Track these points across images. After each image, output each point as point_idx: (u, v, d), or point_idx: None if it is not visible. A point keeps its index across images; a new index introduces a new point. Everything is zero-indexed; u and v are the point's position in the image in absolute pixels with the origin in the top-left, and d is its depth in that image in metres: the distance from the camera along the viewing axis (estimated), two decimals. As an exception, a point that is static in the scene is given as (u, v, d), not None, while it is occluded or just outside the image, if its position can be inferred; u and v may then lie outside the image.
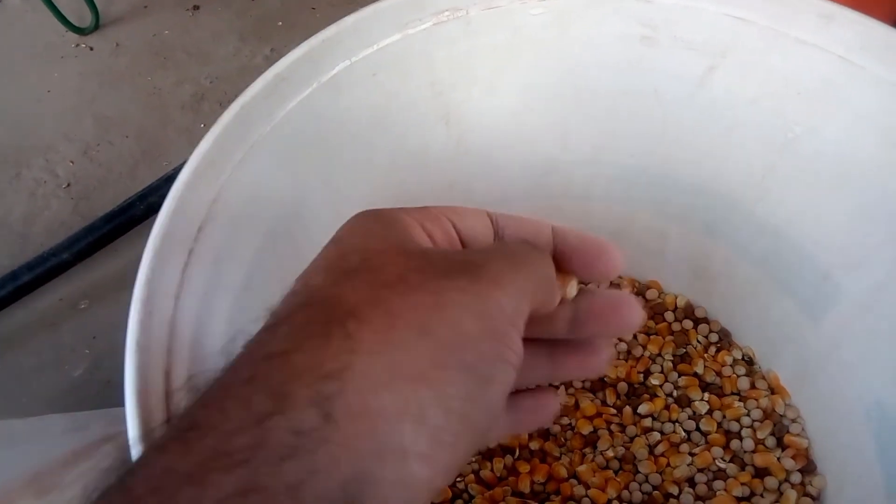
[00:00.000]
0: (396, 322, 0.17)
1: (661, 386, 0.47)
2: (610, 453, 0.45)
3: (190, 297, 0.26)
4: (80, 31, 0.78)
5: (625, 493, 0.43)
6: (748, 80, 0.35)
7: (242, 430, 0.15)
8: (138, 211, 0.61)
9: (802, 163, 0.36)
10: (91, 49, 0.78)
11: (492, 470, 0.44)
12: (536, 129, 0.41)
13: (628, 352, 0.48)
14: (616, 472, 0.44)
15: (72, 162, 0.72)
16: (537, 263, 0.21)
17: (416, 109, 0.37)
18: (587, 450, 0.45)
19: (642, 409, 0.46)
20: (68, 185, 0.70)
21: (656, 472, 0.44)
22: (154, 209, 0.62)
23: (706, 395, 0.46)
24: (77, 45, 0.79)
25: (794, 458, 0.43)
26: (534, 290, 0.20)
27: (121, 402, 0.23)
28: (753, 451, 0.44)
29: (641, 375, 0.47)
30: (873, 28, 0.31)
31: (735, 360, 0.47)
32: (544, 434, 0.46)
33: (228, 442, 0.15)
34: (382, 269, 0.18)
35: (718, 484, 0.43)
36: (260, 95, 0.29)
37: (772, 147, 0.37)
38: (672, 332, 0.48)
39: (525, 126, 0.41)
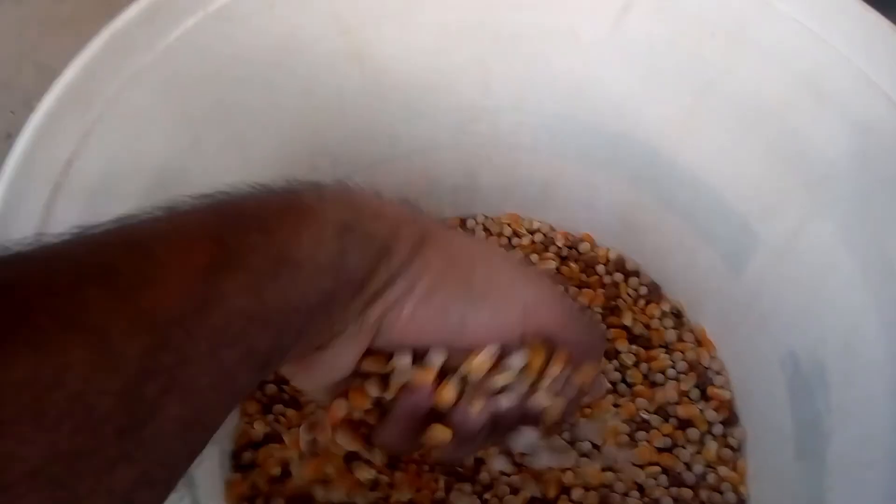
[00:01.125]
0: (438, 250, 0.25)
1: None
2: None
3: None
4: (21, -25, 0.75)
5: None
6: (663, 20, 0.34)
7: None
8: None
9: (719, 107, 0.35)
10: (33, -6, 0.76)
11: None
12: (455, 71, 0.40)
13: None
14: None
15: (12, 112, 0.70)
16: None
17: (322, 47, 0.35)
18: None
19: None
20: (9, 136, 0.68)
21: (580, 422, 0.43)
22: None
23: (633, 348, 0.45)
24: (18, -9, 0.76)
25: (716, 409, 0.43)
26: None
27: None
28: (677, 403, 0.44)
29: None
30: (783, -37, 0.30)
31: (664, 313, 0.47)
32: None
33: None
34: None
35: (641, 435, 0.43)
36: (133, 23, 0.28)
37: (689, 92, 0.36)
38: (603, 286, 0.48)
39: (444, 68, 0.39)
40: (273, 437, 0.42)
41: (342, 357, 0.24)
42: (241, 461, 0.42)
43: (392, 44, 0.38)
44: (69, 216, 0.26)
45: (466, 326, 0.25)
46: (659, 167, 0.41)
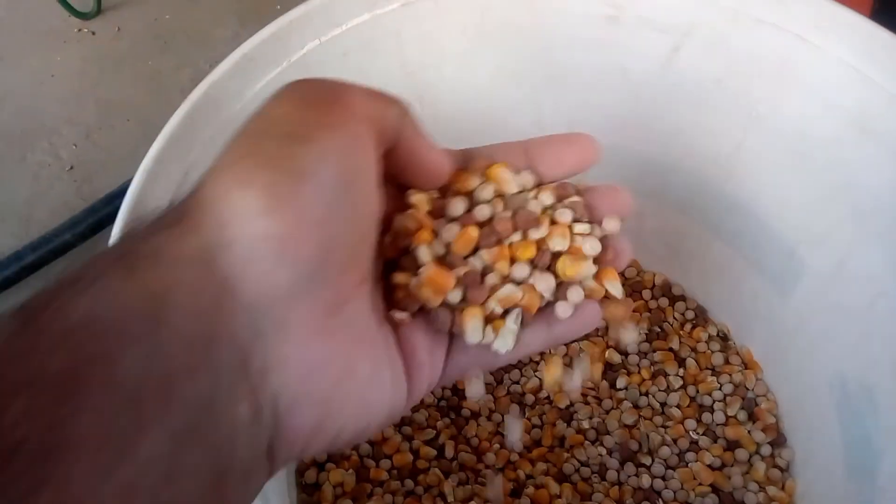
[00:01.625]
0: (229, 142, 0.20)
1: (638, 362, 0.48)
2: (585, 424, 0.46)
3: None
4: (82, 15, 0.79)
5: (599, 461, 0.44)
6: (712, 59, 0.36)
7: (129, 233, 0.19)
8: (136, 192, 0.63)
9: (766, 141, 0.37)
10: (93, 33, 0.80)
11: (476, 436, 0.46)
12: (510, 106, 0.42)
13: (605, 329, 0.49)
14: (592, 443, 0.45)
15: (75, 145, 0.73)
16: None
17: (388, 89, 0.38)
18: (561, 424, 0.46)
19: (619, 382, 0.47)
20: (71, 167, 0.72)
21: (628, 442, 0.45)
22: (151, 190, 0.63)
23: (681, 370, 0.47)
24: (79, 30, 0.80)
25: (764, 430, 0.44)
26: (363, 87, 0.22)
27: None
28: (725, 425, 0.45)
29: (620, 355, 0.48)
30: (828, 7, 0.32)
31: (710, 337, 0.48)
32: (521, 408, 0.47)
33: (115, 241, 0.19)
34: None
35: (690, 455, 0.44)
36: (227, 75, 0.30)
37: (737, 125, 0.38)
38: (649, 310, 0.49)
39: (499, 104, 0.42)
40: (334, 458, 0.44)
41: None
42: (305, 480, 0.44)
43: (451, 84, 0.40)
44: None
45: None
46: (706, 196, 0.42)
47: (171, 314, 0.17)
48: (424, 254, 0.24)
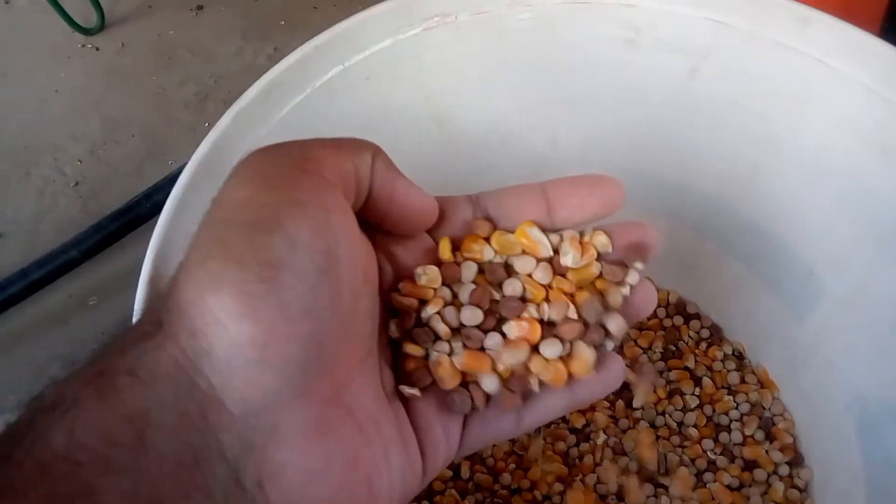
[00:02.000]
0: (195, 237, 0.19)
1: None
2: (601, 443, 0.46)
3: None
4: (85, 31, 0.79)
5: (617, 483, 0.44)
6: (730, 81, 0.36)
7: (103, 347, 0.18)
8: (144, 209, 0.63)
9: (784, 162, 0.37)
10: (97, 49, 0.80)
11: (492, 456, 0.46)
12: (526, 129, 0.42)
13: (621, 347, 0.49)
14: (610, 463, 0.45)
15: (79, 161, 0.73)
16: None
17: (408, 112, 0.38)
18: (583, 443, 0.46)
19: (636, 402, 0.47)
20: (76, 183, 0.72)
21: (647, 462, 0.45)
22: (160, 207, 0.61)
23: (697, 389, 0.47)
24: (83, 46, 0.80)
25: (781, 450, 0.44)
26: (329, 141, 0.21)
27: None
28: (743, 444, 0.45)
29: (635, 375, 0.48)
30: (847, 31, 0.32)
31: (726, 355, 0.48)
32: (537, 429, 0.47)
33: (91, 356, 0.18)
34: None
35: (708, 476, 0.44)
36: (255, 101, 0.30)
37: (754, 147, 0.38)
38: (664, 328, 0.49)
39: (515, 127, 0.42)
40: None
41: None
42: None
43: (469, 108, 0.40)
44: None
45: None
46: (722, 216, 0.43)
47: (154, 437, 0.16)
48: (439, 325, 0.23)
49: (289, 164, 0.19)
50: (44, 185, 0.70)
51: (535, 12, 0.36)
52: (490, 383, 0.23)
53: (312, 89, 0.33)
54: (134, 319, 0.25)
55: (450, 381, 0.23)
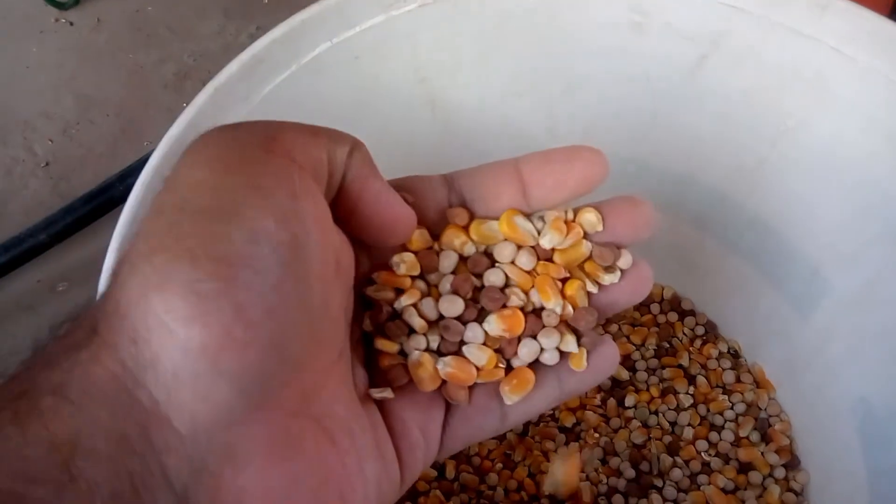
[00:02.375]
0: (142, 221, 0.17)
1: (647, 379, 0.46)
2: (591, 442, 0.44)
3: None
4: (59, 5, 0.76)
5: (607, 485, 0.43)
6: (741, 70, 0.35)
7: (30, 359, 0.16)
8: (118, 192, 0.60)
9: (795, 156, 0.36)
10: (71, 24, 0.76)
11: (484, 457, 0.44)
12: (524, 115, 0.40)
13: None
14: (602, 463, 0.44)
15: (50, 140, 0.70)
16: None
17: (400, 94, 0.36)
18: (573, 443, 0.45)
19: (628, 401, 0.45)
20: (47, 164, 0.69)
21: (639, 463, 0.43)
22: (134, 190, 0.60)
23: (691, 388, 0.45)
24: (56, 20, 0.77)
25: (777, 452, 0.43)
26: (297, 124, 0.18)
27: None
28: (738, 446, 0.44)
29: (627, 372, 0.46)
30: (866, 18, 0.31)
31: (720, 353, 0.47)
32: (524, 427, 0.45)
33: (15, 370, 0.16)
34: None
35: (702, 478, 0.43)
36: (235, 77, 0.28)
37: (764, 139, 0.36)
38: (657, 324, 0.48)
39: (512, 112, 0.40)
40: None
41: None
42: None
43: (464, 90, 0.38)
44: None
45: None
46: (725, 211, 0.41)
47: (84, 466, 0.14)
48: (414, 318, 0.21)
49: (253, 144, 0.17)
50: (12, 165, 0.67)
51: (537, -9, 0.34)
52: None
53: (298, 66, 0.30)
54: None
55: (429, 383, 0.21)
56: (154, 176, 0.26)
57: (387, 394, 0.20)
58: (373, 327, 0.21)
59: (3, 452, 0.14)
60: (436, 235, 0.22)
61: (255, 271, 0.15)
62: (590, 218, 0.22)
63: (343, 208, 0.19)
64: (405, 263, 0.21)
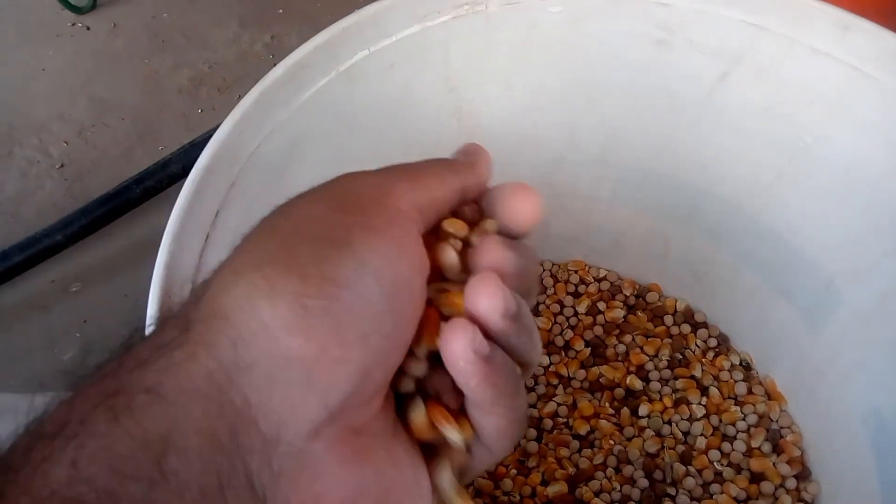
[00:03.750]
0: (250, 237, 0.18)
1: (660, 389, 0.47)
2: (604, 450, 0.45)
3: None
4: (76, 9, 0.77)
5: (620, 493, 0.43)
6: (762, 87, 0.36)
7: (116, 359, 0.16)
8: (133, 195, 0.60)
9: (811, 171, 0.37)
10: (88, 28, 0.77)
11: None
12: (547, 127, 0.41)
13: (626, 354, 0.48)
14: (615, 472, 0.44)
15: (66, 142, 0.71)
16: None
17: (429, 103, 0.37)
18: (586, 450, 0.45)
19: (641, 410, 0.46)
20: (62, 165, 0.69)
21: (652, 472, 0.44)
22: (150, 194, 0.61)
23: (703, 399, 0.46)
24: (73, 24, 0.77)
25: (789, 463, 0.43)
26: (408, 171, 0.20)
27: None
28: (750, 456, 0.44)
29: (641, 382, 0.47)
30: (887, 39, 0.32)
31: (733, 365, 0.47)
32: (538, 434, 0.46)
33: (104, 368, 0.16)
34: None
35: (715, 487, 0.43)
36: (279, 82, 0.29)
37: (781, 155, 0.37)
38: (671, 336, 0.49)
39: (536, 124, 0.41)
40: None
41: None
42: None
43: (490, 102, 0.39)
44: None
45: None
46: (739, 223, 0.42)
47: (176, 463, 0.15)
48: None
49: (366, 192, 0.18)
50: (28, 166, 0.67)
51: (566, 5, 0.35)
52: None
53: (336, 73, 0.31)
54: (148, 323, 0.23)
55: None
56: (203, 175, 0.26)
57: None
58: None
59: (97, 449, 0.14)
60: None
61: (359, 296, 0.17)
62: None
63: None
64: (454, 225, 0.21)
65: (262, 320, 0.16)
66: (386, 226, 0.18)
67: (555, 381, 0.48)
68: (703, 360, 0.48)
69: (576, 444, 0.45)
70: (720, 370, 0.47)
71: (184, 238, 0.25)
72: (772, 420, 0.45)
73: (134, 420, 0.15)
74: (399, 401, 0.21)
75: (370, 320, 0.17)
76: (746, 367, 0.47)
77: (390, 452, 0.19)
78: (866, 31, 0.32)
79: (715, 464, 0.44)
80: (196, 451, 0.15)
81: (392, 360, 0.18)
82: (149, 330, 0.21)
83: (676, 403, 0.46)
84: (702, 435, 0.45)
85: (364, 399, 0.17)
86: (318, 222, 0.17)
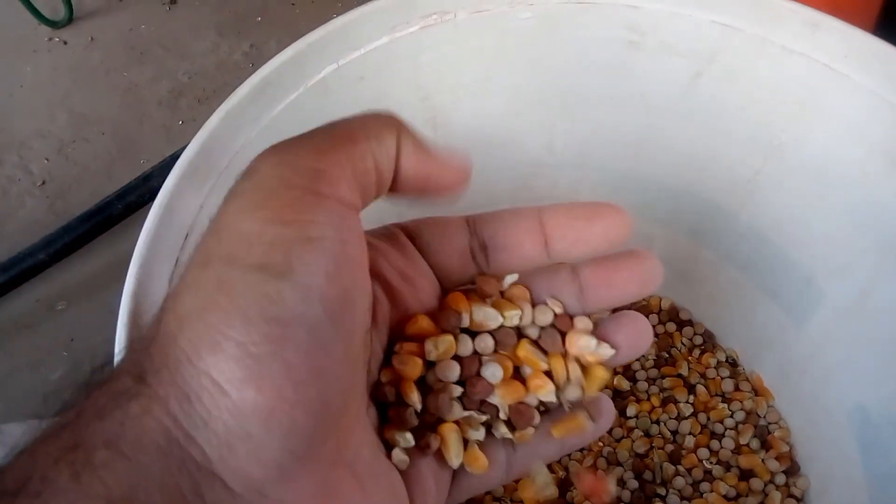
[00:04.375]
0: (188, 269, 0.17)
1: (647, 389, 0.47)
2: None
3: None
4: (52, 24, 0.76)
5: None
6: (735, 86, 0.36)
7: (75, 405, 0.16)
8: (116, 210, 0.60)
9: (787, 169, 0.37)
10: (65, 43, 0.77)
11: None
12: (523, 132, 0.41)
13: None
14: (605, 474, 0.44)
15: (46, 159, 0.70)
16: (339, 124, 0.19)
17: (403, 113, 0.36)
18: (575, 452, 0.45)
19: (629, 411, 0.46)
20: (43, 182, 0.69)
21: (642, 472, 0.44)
22: (132, 209, 0.61)
23: (691, 397, 0.46)
24: (50, 39, 0.77)
25: (778, 459, 0.43)
26: (341, 138, 0.18)
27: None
28: (738, 453, 0.44)
29: (628, 382, 0.47)
30: (857, 37, 0.31)
31: (719, 362, 0.47)
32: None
33: (64, 416, 0.16)
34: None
35: (705, 486, 0.43)
36: (246, 99, 0.29)
37: (757, 153, 0.37)
38: (656, 335, 0.49)
39: (512, 129, 0.41)
40: None
41: None
42: None
43: (465, 110, 0.39)
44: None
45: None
46: (720, 222, 0.42)
47: None
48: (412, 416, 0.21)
49: (300, 186, 0.17)
50: (8, 185, 0.67)
51: (535, 12, 0.35)
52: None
53: (305, 88, 0.31)
54: (117, 354, 0.23)
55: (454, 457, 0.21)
56: (171, 199, 0.26)
57: (404, 459, 0.20)
58: (432, 409, 0.21)
59: None
60: (452, 284, 0.22)
61: (307, 331, 0.16)
62: (587, 344, 0.22)
63: (405, 183, 0.19)
64: (437, 350, 0.21)
65: (210, 376, 0.15)
66: (325, 231, 0.16)
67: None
68: (690, 357, 0.48)
69: (565, 447, 0.45)
70: (706, 367, 0.47)
71: (152, 264, 0.25)
72: (759, 416, 0.45)
73: (96, 477, 0.14)
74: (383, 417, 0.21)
75: (321, 350, 0.16)
76: (733, 363, 0.47)
77: (364, 481, 0.18)
78: (836, 30, 0.32)
79: (704, 462, 0.44)
80: None
81: (347, 383, 0.17)
82: (118, 359, 0.21)
83: (664, 403, 0.46)
84: (690, 433, 0.45)
85: (329, 432, 0.17)
86: (253, 244, 0.16)
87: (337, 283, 0.16)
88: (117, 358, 0.23)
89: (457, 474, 0.22)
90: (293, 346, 0.16)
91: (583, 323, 0.22)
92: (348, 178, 0.17)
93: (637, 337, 0.22)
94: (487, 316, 0.21)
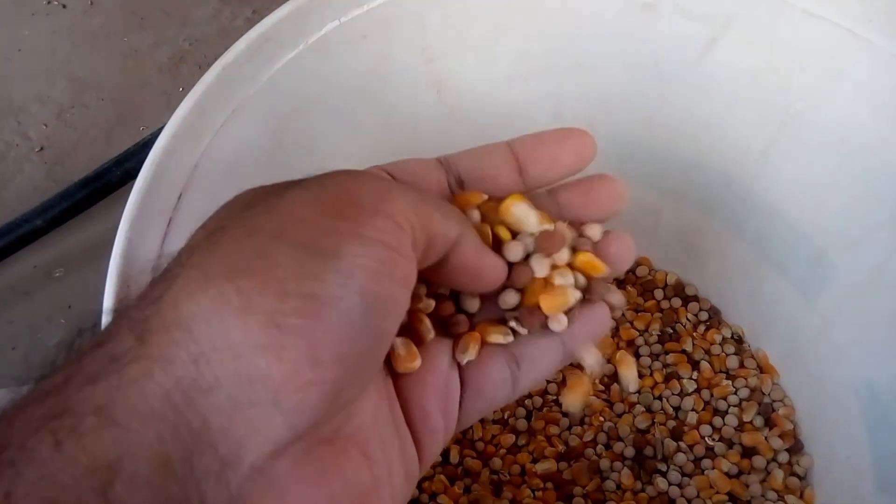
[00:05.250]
0: (226, 233, 0.16)
1: (650, 364, 0.46)
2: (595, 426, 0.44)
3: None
4: (52, -14, 0.75)
5: (612, 468, 0.43)
6: (752, 52, 0.34)
7: (62, 369, 0.15)
8: (114, 177, 0.59)
9: (803, 139, 0.36)
10: (64, 6, 0.75)
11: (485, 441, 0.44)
12: (530, 98, 0.40)
13: (616, 329, 0.47)
14: (605, 448, 0.44)
15: (45, 125, 0.69)
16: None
17: (406, 75, 0.35)
18: (576, 427, 0.45)
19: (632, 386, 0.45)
20: (41, 148, 0.68)
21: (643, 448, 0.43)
22: (131, 175, 0.60)
23: (694, 374, 0.45)
24: (49, 2, 0.75)
25: (781, 437, 0.43)
26: (416, 192, 0.18)
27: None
28: (741, 430, 0.44)
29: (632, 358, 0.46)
30: (882, 0, 0.30)
31: (724, 339, 0.47)
32: (528, 412, 0.45)
33: (48, 381, 0.15)
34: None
35: (706, 462, 0.43)
36: (243, 56, 0.28)
37: (772, 123, 0.36)
38: (661, 310, 0.48)
39: (519, 95, 0.39)
40: None
41: None
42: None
43: (471, 73, 0.38)
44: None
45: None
46: (731, 195, 0.41)
47: (122, 492, 0.13)
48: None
49: (366, 197, 0.17)
50: (6, 150, 0.66)
51: (546, -29, 0.33)
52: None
53: (305, 46, 0.30)
54: (104, 317, 0.22)
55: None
56: (163, 156, 0.25)
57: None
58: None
59: (37, 478, 0.13)
60: None
61: (341, 315, 0.15)
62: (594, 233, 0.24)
63: (448, 271, 0.20)
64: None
65: (229, 339, 0.14)
66: (378, 235, 0.16)
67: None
68: (695, 333, 0.47)
69: (566, 421, 0.45)
70: (711, 344, 0.46)
71: (144, 223, 0.24)
72: (764, 394, 0.44)
73: (80, 445, 0.13)
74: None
75: (349, 339, 0.15)
76: (738, 340, 0.46)
77: (366, 448, 0.18)
78: (859, -8, 0.30)
79: (706, 439, 0.43)
80: (146, 478, 0.14)
81: (366, 376, 0.17)
82: (106, 320, 0.20)
83: (667, 378, 0.45)
84: (693, 410, 0.44)
85: (335, 416, 0.16)
86: (305, 227, 0.16)
87: (378, 284, 0.16)
88: (105, 319, 0.23)
89: (463, 401, 0.22)
90: (324, 326, 0.15)
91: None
92: (407, 216, 0.17)
93: (626, 251, 0.25)
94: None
